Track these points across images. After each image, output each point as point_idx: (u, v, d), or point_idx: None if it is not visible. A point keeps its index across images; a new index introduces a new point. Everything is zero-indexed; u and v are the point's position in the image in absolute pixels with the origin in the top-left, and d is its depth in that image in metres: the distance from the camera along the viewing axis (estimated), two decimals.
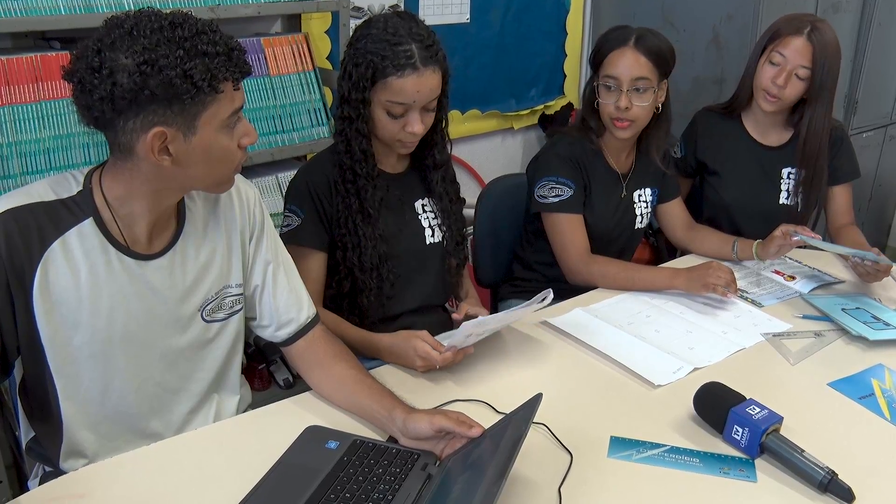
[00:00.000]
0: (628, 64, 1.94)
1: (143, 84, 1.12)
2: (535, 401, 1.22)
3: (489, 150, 3.34)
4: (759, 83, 2.16)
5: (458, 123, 3.11)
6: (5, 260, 1.21)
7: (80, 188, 1.28)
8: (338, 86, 1.71)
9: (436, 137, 1.79)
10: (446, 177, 1.86)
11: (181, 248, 1.37)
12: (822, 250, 2.02)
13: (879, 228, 4.00)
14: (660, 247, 2.88)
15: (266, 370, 2.54)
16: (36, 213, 1.24)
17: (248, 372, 2.45)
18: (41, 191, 1.27)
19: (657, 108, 2.02)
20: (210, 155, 1.23)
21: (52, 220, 1.25)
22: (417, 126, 1.64)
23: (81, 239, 1.27)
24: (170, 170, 1.22)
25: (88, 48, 1.14)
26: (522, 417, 1.19)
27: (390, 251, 1.75)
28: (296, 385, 2.52)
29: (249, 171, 2.29)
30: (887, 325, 1.79)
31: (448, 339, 1.57)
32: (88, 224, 1.27)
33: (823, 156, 2.20)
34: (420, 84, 1.60)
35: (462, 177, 3.25)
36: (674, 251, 2.64)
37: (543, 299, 1.60)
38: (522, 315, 1.57)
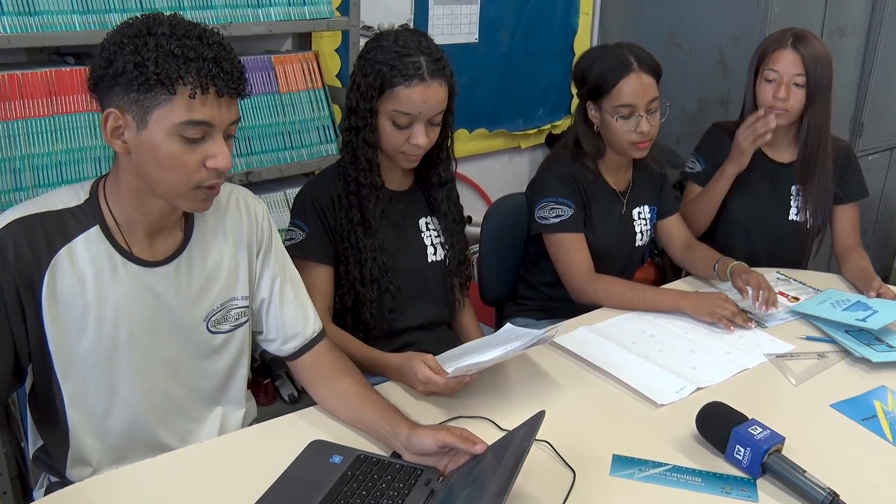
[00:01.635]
0: (641, 89, 1.95)
1: (108, 63, 1.19)
2: (538, 418, 1.23)
3: (496, 169, 3.37)
4: (763, 103, 2.19)
5: (466, 142, 3.13)
6: (14, 268, 1.24)
7: (87, 197, 1.32)
8: (346, 98, 1.74)
9: (441, 155, 1.81)
10: (451, 195, 1.88)
11: (187, 257, 1.39)
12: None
13: (885, 251, 4.00)
14: (665, 267, 2.89)
15: (271, 385, 2.55)
16: (44, 222, 1.27)
17: (254, 386, 2.45)
18: (49, 201, 1.31)
19: None
20: (157, 156, 1.23)
21: (59, 228, 1.28)
22: (421, 138, 1.66)
23: (87, 246, 1.30)
24: (131, 165, 1.26)
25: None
26: (525, 434, 1.20)
27: (390, 263, 1.76)
28: (301, 400, 2.53)
29: (258, 186, 2.32)
30: (890, 346, 1.79)
31: (450, 361, 1.58)
32: (94, 231, 1.30)
33: (825, 163, 2.22)
34: (427, 95, 1.63)
35: (469, 195, 3.29)
36: (679, 271, 2.65)
37: (545, 337, 1.57)
38: (523, 349, 1.57)
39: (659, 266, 2.93)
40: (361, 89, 1.67)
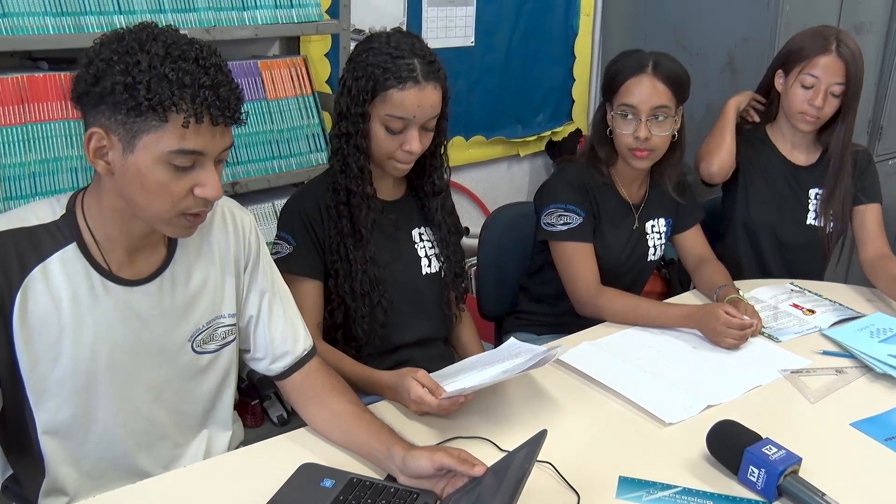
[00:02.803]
0: (647, 92, 1.96)
1: (94, 80, 1.17)
2: (540, 438, 1.23)
3: (494, 178, 3.38)
4: (793, 108, 2.21)
5: (462, 150, 3.14)
6: None
7: (63, 212, 1.31)
8: (335, 104, 1.74)
9: (434, 162, 1.82)
10: (445, 205, 1.88)
11: (170, 275, 1.39)
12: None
13: None
14: (672, 279, 2.89)
15: (259, 406, 2.55)
16: (17, 239, 1.26)
17: (241, 408, 2.45)
18: (22, 216, 1.29)
19: (673, 136, 2.05)
20: (144, 183, 1.22)
21: (33, 245, 1.27)
22: (415, 144, 1.67)
23: (64, 264, 1.28)
24: (114, 186, 1.25)
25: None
26: (526, 455, 1.20)
27: (382, 276, 1.76)
28: (290, 422, 2.53)
29: (245, 197, 2.32)
30: None
31: (448, 379, 1.58)
32: (71, 249, 1.29)
33: (847, 167, 2.25)
34: (421, 98, 1.64)
35: (466, 205, 3.29)
36: (687, 283, 2.65)
37: (546, 357, 1.56)
38: (521, 371, 1.56)
39: (666, 278, 2.93)
40: (352, 93, 1.68)
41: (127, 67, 1.16)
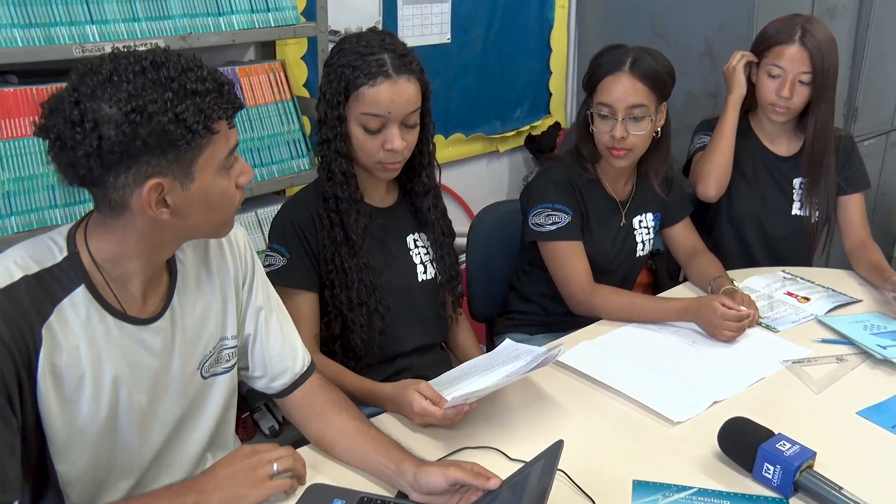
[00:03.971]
0: (623, 91, 1.93)
1: (133, 134, 1.08)
2: (557, 449, 1.20)
3: (474, 175, 3.35)
4: (763, 99, 2.21)
5: (442, 148, 3.11)
6: (11, 346, 1.13)
7: (66, 253, 1.22)
8: (316, 110, 1.71)
9: (423, 160, 1.78)
10: (437, 205, 1.85)
11: (179, 306, 1.34)
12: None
13: (885, 239, 4.05)
14: (658, 270, 2.89)
15: (250, 418, 2.50)
16: (30, 288, 1.17)
17: None
18: (21, 263, 1.19)
19: (656, 133, 2.03)
20: (210, 200, 1.20)
21: (45, 293, 1.19)
22: (397, 142, 1.63)
23: (75, 309, 1.21)
24: (168, 222, 1.19)
25: (64, 99, 1.10)
26: (545, 467, 1.17)
27: (377, 282, 1.73)
28: (282, 433, 2.49)
29: None
30: None
31: (447, 386, 1.56)
32: (81, 292, 1.21)
33: (829, 156, 2.24)
34: (394, 93, 1.60)
35: (447, 204, 3.23)
36: (675, 274, 2.65)
37: (548, 357, 1.54)
38: (524, 373, 1.53)
39: (652, 269, 2.93)
40: (327, 97, 1.65)
41: (159, 104, 1.09)
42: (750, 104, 2.33)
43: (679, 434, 1.53)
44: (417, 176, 1.79)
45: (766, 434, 1.39)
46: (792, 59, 2.13)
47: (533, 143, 3.42)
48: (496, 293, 2.36)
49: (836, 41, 2.17)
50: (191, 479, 1.30)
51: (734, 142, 2.27)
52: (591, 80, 2.02)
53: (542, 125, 3.45)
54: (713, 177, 2.26)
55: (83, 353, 1.22)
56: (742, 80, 2.26)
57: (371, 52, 1.60)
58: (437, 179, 1.84)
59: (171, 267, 1.34)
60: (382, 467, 1.36)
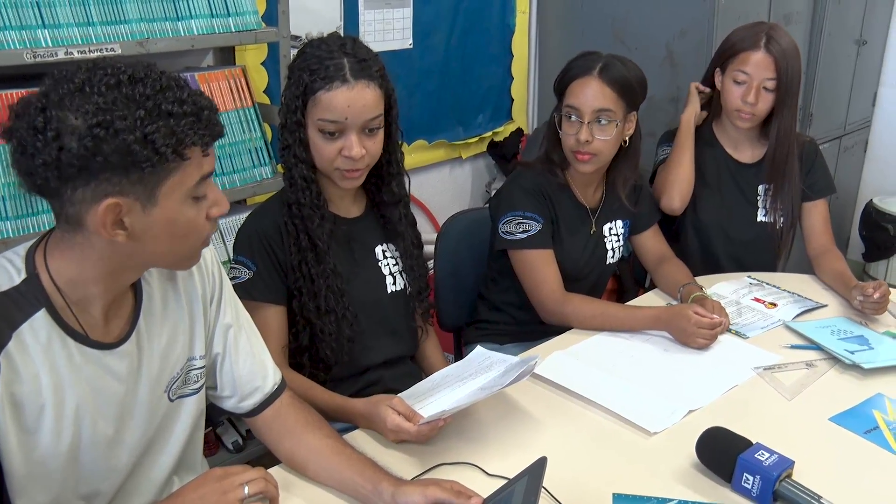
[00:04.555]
0: (591, 94, 1.93)
1: (95, 149, 1.03)
2: (541, 465, 1.18)
3: (437, 182, 3.33)
4: (729, 105, 2.22)
5: (406, 155, 3.05)
6: None
7: (24, 275, 1.15)
8: (278, 115, 1.67)
9: (391, 170, 1.74)
10: (407, 214, 1.81)
11: (145, 328, 1.28)
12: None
13: (838, 242, 4.06)
14: (623, 276, 2.89)
15: (213, 433, 2.45)
16: None
17: None
18: None
19: (624, 142, 2.02)
20: (173, 229, 1.14)
21: (2, 317, 1.12)
22: (355, 149, 1.58)
23: (35, 335, 1.14)
24: (126, 245, 1.12)
25: (31, 104, 1.05)
26: (529, 485, 1.15)
27: (345, 289, 1.69)
28: (246, 447, 2.44)
29: None
30: (872, 347, 1.82)
31: (419, 399, 1.53)
32: (41, 316, 1.15)
33: (793, 162, 2.25)
34: (351, 98, 1.56)
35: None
36: (641, 280, 2.65)
37: (525, 370, 1.51)
38: (502, 388, 1.50)
39: (617, 275, 2.93)
40: (286, 102, 1.62)
41: (128, 122, 1.04)
42: (714, 112, 2.34)
43: (656, 444, 1.52)
44: (387, 185, 1.75)
45: (745, 444, 1.38)
46: (757, 65, 2.14)
47: (496, 149, 3.40)
48: (464, 302, 2.33)
49: (798, 49, 2.20)
50: (158, 503, 1.25)
51: (693, 153, 2.28)
52: (561, 83, 2.01)
53: (504, 131, 3.44)
54: (676, 189, 2.27)
55: (44, 381, 1.15)
56: (696, 101, 2.32)
57: (330, 57, 1.56)
58: (408, 189, 1.80)
59: (136, 287, 1.28)
60: (359, 487, 1.32)
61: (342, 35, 1.66)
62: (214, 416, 2.39)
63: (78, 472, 1.24)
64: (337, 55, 1.57)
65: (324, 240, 1.66)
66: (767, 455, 1.35)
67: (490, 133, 3.40)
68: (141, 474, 1.35)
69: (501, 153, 3.37)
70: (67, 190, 1.07)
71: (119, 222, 1.10)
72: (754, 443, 1.38)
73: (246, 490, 1.23)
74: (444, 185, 3.36)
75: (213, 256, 1.42)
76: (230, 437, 2.47)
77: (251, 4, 2.21)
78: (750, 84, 2.15)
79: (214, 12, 2.13)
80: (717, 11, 2.90)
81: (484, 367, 1.63)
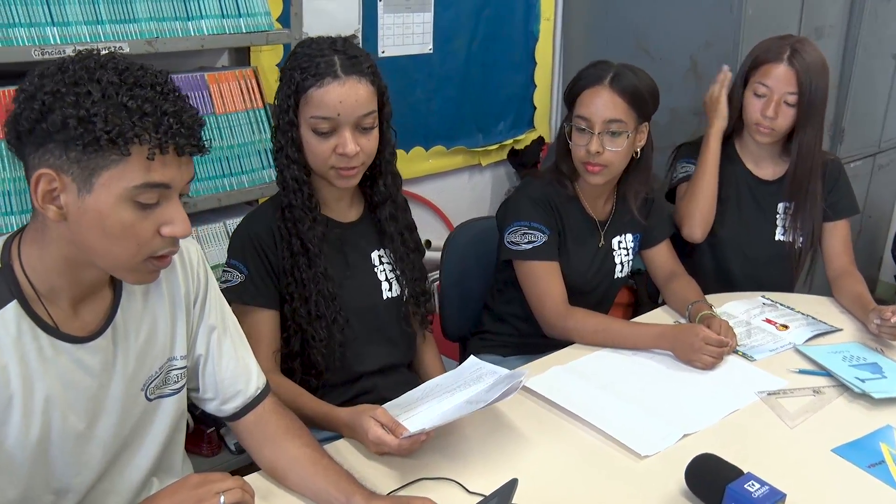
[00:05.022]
0: (602, 104, 1.89)
1: (40, 116, 1.06)
2: (511, 487, 1.14)
3: (456, 189, 3.29)
4: (749, 118, 2.16)
5: (422, 161, 3.06)
6: None
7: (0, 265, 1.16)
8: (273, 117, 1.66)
9: (384, 169, 1.71)
10: (397, 215, 1.78)
11: (121, 324, 1.27)
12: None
13: (870, 262, 4.01)
14: (639, 290, 2.83)
15: (216, 434, 2.44)
16: None
17: (196, 436, 2.35)
18: None
19: (635, 153, 1.97)
20: (104, 224, 1.11)
21: None
22: (350, 145, 1.56)
23: (5, 326, 1.14)
24: (65, 230, 1.12)
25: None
26: None
27: (336, 292, 1.67)
28: None
29: (194, 217, 2.14)
30: (885, 377, 1.74)
31: (405, 410, 1.51)
32: (12, 308, 1.15)
33: (815, 181, 2.18)
34: (342, 94, 1.54)
35: (427, 217, 3.20)
36: (655, 295, 2.59)
37: (512, 386, 1.47)
38: (488, 404, 1.46)
39: (633, 289, 2.87)
40: (279, 103, 1.61)
41: (79, 99, 1.05)
42: (736, 127, 2.27)
43: (646, 468, 1.47)
44: (375, 185, 1.73)
45: (735, 473, 1.33)
46: (779, 78, 2.08)
47: (516, 157, 3.36)
48: (470, 312, 2.29)
49: (827, 65, 2.12)
50: None
51: (717, 177, 2.21)
52: (571, 93, 1.98)
53: (525, 139, 3.40)
54: (698, 219, 2.20)
55: (12, 373, 1.15)
56: (724, 111, 2.21)
57: (321, 54, 1.56)
58: (397, 189, 1.76)
59: (115, 281, 1.27)
60: (332, 499, 1.30)
61: (335, 36, 1.65)
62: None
63: (48, 466, 1.23)
64: (327, 53, 1.56)
65: (315, 243, 1.64)
66: (758, 486, 1.29)
67: (511, 141, 3.36)
68: (116, 473, 1.33)
69: (522, 161, 3.33)
70: (25, 151, 1.10)
71: (55, 198, 1.10)
72: (745, 472, 1.33)
73: (222, 500, 1.21)
74: (462, 191, 3.32)
75: (200, 257, 1.40)
76: (232, 438, 2.45)
77: (263, 5, 2.21)
78: (770, 97, 2.09)
79: (225, 13, 2.13)
80: (743, 23, 2.82)
81: (474, 378, 1.60)
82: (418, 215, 3.23)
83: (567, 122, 1.99)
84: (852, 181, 2.37)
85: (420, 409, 1.53)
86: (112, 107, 1.06)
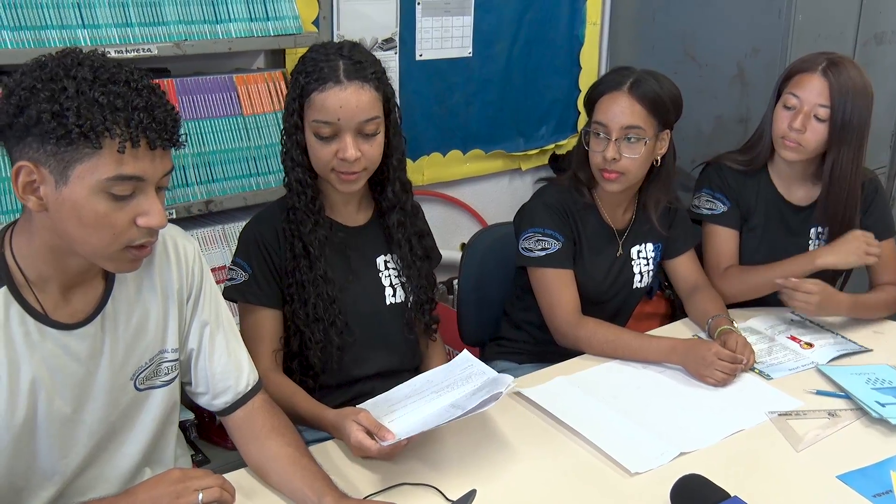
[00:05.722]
0: (620, 110, 1.85)
1: (17, 111, 1.10)
2: (469, 497, 1.12)
3: (495, 193, 3.26)
4: (776, 132, 2.03)
5: (460, 164, 3.04)
6: None
7: None
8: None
9: (392, 175, 1.70)
10: (405, 222, 1.76)
11: (111, 313, 1.30)
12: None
13: None
14: (676, 301, 2.75)
15: None
16: None
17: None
18: None
19: (656, 161, 1.92)
20: (79, 215, 1.14)
21: None
22: (350, 150, 1.56)
23: None
24: (45, 219, 1.16)
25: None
26: None
27: (337, 296, 1.67)
28: None
29: (220, 216, 2.24)
30: None
31: (388, 411, 1.50)
32: (1, 293, 1.20)
33: (852, 209, 2.05)
34: (343, 98, 1.54)
35: (465, 221, 3.19)
36: (682, 306, 2.51)
37: (495, 394, 1.42)
38: (471, 413, 1.42)
39: (670, 300, 2.79)
40: (286, 106, 1.63)
41: (53, 94, 1.09)
42: (765, 157, 2.14)
43: (634, 486, 1.43)
44: (384, 191, 1.72)
45: (720, 496, 1.28)
46: (811, 88, 1.96)
47: (557, 163, 3.31)
48: (488, 317, 2.27)
49: (870, 89, 1.98)
50: (110, 497, 1.27)
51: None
52: (590, 99, 1.94)
53: (567, 144, 3.34)
54: (738, 294, 2.09)
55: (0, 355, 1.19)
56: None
57: (326, 59, 1.57)
58: (406, 196, 1.75)
59: (108, 272, 1.31)
60: (305, 498, 1.31)
61: (346, 40, 1.66)
62: None
63: (34, 448, 1.27)
64: (333, 57, 1.57)
65: (316, 246, 1.64)
66: None
67: (552, 146, 3.31)
68: (105, 460, 1.36)
69: (563, 166, 3.27)
70: (9, 144, 1.14)
71: (35, 190, 1.14)
72: (732, 496, 1.28)
73: (200, 497, 1.22)
74: (502, 195, 3.29)
75: (196, 254, 1.43)
76: None
77: (292, 9, 2.23)
78: (799, 108, 1.97)
79: (254, 16, 2.16)
80: (792, 29, 2.71)
81: (464, 376, 1.57)
82: (455, 218, 3.25)
83: (585, 129, 1.95)
84: None
85: (405, 410, 1.52)
86: (85, 102, 1.09)
